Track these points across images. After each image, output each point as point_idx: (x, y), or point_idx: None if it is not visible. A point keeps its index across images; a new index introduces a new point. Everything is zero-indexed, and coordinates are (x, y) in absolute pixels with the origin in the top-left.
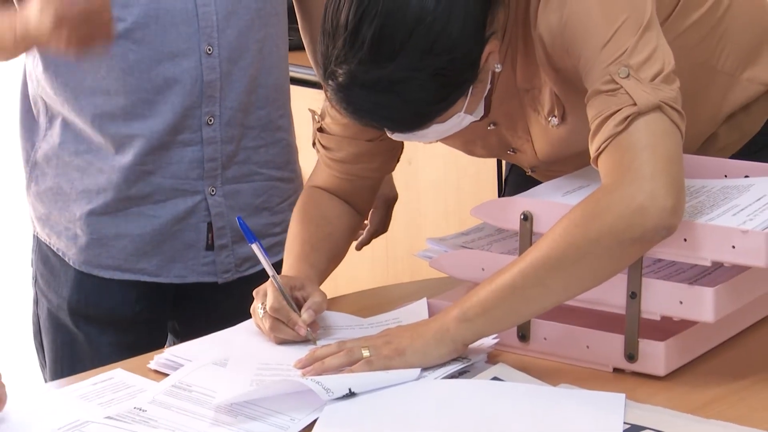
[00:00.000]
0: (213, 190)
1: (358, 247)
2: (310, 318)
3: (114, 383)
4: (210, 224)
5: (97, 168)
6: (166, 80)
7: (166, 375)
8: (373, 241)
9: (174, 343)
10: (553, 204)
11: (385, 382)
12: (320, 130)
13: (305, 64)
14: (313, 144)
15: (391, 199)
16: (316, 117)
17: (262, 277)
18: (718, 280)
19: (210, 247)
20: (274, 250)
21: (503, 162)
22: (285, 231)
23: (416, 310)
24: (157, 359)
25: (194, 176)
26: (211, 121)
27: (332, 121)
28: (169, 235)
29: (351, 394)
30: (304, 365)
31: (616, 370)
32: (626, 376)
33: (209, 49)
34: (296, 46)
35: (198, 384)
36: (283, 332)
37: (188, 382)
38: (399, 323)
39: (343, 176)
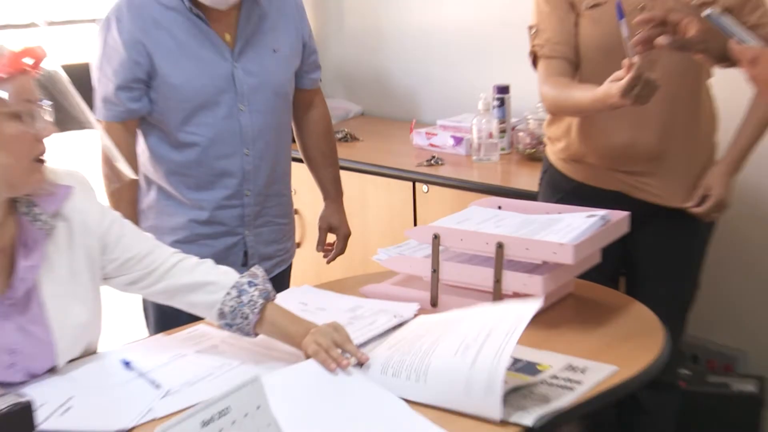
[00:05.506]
0: (248, 233)
1: (328, 261)
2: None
3: (200, 332)
4: (245, 252)
5: (181, 214)
6: (222, 170)
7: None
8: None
9: None
10: (454, 230)
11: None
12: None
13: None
14: (533, 58)
15: (347, 234)
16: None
17: (282, 277)
18: (545, 271)
19: (244, 264)
20: (278, 268)
21: (417, 203)
22: (285, 254)
23: (407, 307)
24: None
25: (237, 224)
26: (248, 193)
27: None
28: (221, 259)
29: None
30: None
31: None
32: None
33: (247, 152)
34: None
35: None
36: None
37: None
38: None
39: (559, 57)
